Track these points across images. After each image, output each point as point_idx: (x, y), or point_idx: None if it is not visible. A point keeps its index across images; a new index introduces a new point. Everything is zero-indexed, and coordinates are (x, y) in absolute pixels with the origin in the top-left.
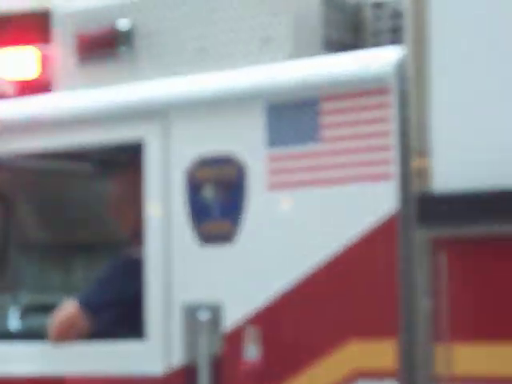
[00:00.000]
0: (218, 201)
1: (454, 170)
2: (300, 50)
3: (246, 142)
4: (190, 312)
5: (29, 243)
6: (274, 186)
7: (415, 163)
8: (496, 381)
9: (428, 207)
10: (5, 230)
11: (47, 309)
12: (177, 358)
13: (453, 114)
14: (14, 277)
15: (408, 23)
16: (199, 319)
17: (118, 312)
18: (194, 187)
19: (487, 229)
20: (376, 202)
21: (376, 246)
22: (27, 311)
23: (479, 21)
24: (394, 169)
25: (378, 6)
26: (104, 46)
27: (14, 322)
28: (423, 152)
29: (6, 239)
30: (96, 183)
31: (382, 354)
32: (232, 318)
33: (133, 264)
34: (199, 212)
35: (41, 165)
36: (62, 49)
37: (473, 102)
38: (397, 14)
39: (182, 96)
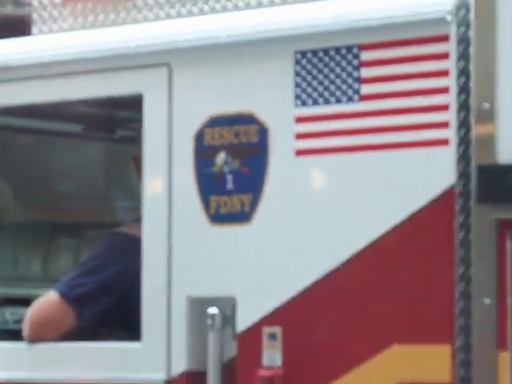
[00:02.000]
0: (232, 171)
1: None
2: None
3: (269, 99)
4: (198, 306)
5: (4, 225)
6: (303, 153)
7: (478, 128)
8: None
9: (492, 181)
10: None
11: (22, 302)
12: (180, 363)
13: None
14: None
15: None
16: (209, 317)
17: (110, 304)
18: (204, 153)
19: None
20: (429, 174)
21: (428, 228)
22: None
23: None
24: (452, 134)
25: None
26: None
27: None
28: (488, 114)
29: None
30: (85, 148)
31: (432, 363)
32: (248, 314)
33: (126, 243)
34: (209, 184)
35: (17, 122)
36: None
37: None
38: None
39: (187, 38)
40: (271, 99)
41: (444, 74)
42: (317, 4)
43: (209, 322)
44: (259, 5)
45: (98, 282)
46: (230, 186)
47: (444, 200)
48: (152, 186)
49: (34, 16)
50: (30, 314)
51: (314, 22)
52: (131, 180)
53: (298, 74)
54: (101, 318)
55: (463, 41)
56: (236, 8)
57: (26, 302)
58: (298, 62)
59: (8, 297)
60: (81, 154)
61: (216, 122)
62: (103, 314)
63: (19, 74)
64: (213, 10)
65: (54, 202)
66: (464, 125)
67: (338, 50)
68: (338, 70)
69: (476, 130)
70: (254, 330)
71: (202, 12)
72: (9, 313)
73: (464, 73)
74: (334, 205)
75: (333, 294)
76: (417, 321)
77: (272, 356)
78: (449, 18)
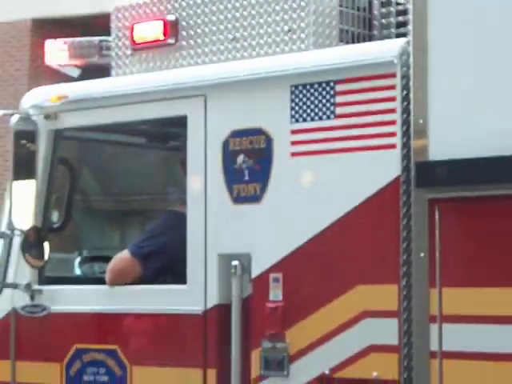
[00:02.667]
0: (248, 167)
1: (447, 142)
2: (319, 41)
3: (273, 118)
4: (225, 260)
5: (92, 209)
6: (297, 155)
7: (415, 137)
8: (479, 319)
9: (425, 172)
10: (70, 197)
11: (106, 259)
12: (213, 300)
13: (448, 94)
14: (78, 235)
15: (412, 18)
16: (232, 267)
17: (165, 260)
18: (229, 155)
19: (473, 190)
20: (381, 168)
21: (381, 206)
22: (90, 260)
23: (469, 19)
24: (398, 141)
25: (385, 3)
26: (153, 37)
27: (77, 269)
28: (422, 127)
29: (71, 205)
30: (148, 154)
31: (387, 297)
32: (259, 265)
33: (178, 219)
34: (233, 176)
35: (102, 137)
36: (116, 40)
37: (464, 84)
38: (401, 11)
39: (218, 78)
40: (274, 118)
41: (392, 99)
42: (306, 53)
43: (232, 270)
44: (266, 54)
45: (158, 244)
46: (246, 177)
47: (393, 186)
48: (193, 179)
49: (112, 63)
50: (110, 266)
51: (303, 65)
52: (178, 176)
53: (292, 100)
54: (159, 269)
55: (405, 77)
56: (250, 56)
57: (107, 259)
58: (292, 93)
59: (96, 256)
60: (144, 158)
61: (237, 134)
62: (161, 266)
63: (103, 103)
64: (235, 58)
65: (126, 194)
66: (406, 134)
67: (320, 84)
68: (320, 97)
69: (414, 138)
70: (264, 276)
71: (227, 59)
72: (96, 266)
73: (406, 99)
74: (316, 190)
75: (315, 252)
76: (374, 269)
77: (276, 293)
78: (395, 61)
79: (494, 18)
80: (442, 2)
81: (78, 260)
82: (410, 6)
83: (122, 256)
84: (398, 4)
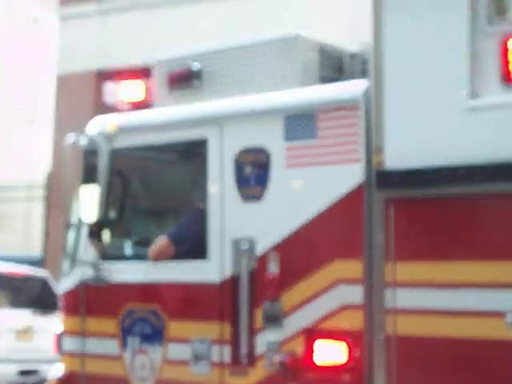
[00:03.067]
0: (253, 175)
1: (398, 156)
2: (305, 83)
3: (272, 139)
4: (236, 243)
5: (139, 207)
6: (289, 166)
7: (375, 153)
8: (422, 284)
9: (382, 178)
10: (123, 198)
11: (148, 243)
12: (227, 272)
13: (398, 121)
14: (129, 226)
15: (371, 67)
16: (241, 248)
17: (193, 243)
18: (239, 167)
19: (419, 192)
20: (351, 176)
21: (351, 203)
22: (137, 244)
23: (411, 69)
24: (362, 156)
25: (353, 55)
26: (183, 81)
27: (128, 250)
28: (380, 146)
29: (124, 204)
30: (179, 167)
31: (355, 269)
32: (261, 247)
33: (201, 213)
34: (242, 182)
35: (145, 155)
36: (157, 82)
37: (409, 114)
38: (364, 61)
39: (230, 110)
40: (272, 139)
41: (358, 125)
42: (295, 91)
43: (242, 250)
44: (267, 92)
45: (187, 232)
46: (252, 183)
47: (359, 188)
48: (213, 184)
49: (155, 100)
50: (152, 248)
51: (293, 101)
52: (201, 182)
53: (285, 126)
54: (187, 250)
55: (367, 109)
56: (255, 94)
57: (150, 243)
58: (285, 120)
59: (142, 240)
60: (176, 171)
61: (245, 151)
62: (189, 248)
63: (147, 129)
64: (244, 95)
65: (163, 197)
66: (368, 151)
67: (306, 113)
68: (306, 123)
69: (374, 153)
70: (265, 255)
71: (239, 96)
72: (142, 248)
73: (368, 125)
74: (303, 191)
75: (303, 237)
76: (345, 249)
77: (273, 267)
78: (360, 97)
79: (429, 70)
80: (394, 57)
81: (128, 244)
82: (371, 58)
83: (161, 241)
84: (362, 56)
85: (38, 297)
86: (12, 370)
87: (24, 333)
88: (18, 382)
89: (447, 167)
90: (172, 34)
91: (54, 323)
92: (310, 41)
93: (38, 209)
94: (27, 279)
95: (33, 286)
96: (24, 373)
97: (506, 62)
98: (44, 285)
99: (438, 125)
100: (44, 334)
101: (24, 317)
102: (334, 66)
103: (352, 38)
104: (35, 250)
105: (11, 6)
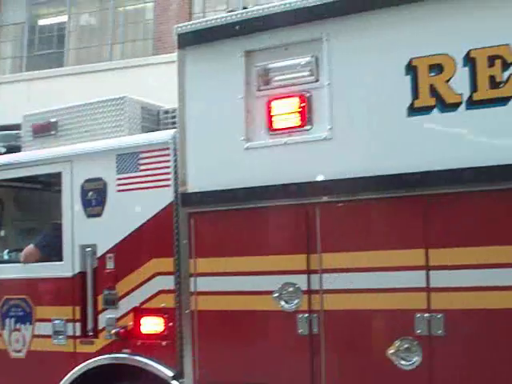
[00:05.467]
0: (94, 198)
1: (196, 184)
2: (131, 132)
3: (107, 171)
4: (83, 248)
5: (14, 223)
6: (120, 191)
7: (181, 181)
8: (215, 274)
9: (185, 198)
10: (0, 217)
11: (20, 250)
12: (77, 269)
13: (196, 159)
14: (7, 238)
15: (178, 120)
16: (87, 251)
17: (52, 248)
18: (84, 192)
19: (211, 208)
20: (164, 197)
21: (164, 216)
22: (14, 251)
23: (206, 122)
24: (172, 183)
25: (166, 111)
26: (44, 130)
27: (6, 256)
28: (184, 176)
29: (0, 221)
30: (41, 194)
31: (168, 264)
32: (101, 250)
33: (58, 227)
34: (86, 203)
35: (18, 185)
36: (24, 132)
37: (205, 154)
38: (173, 116)
39: (78, 151)
40: (107, 172)
41: (168, 161)
42: (124, 137)
43: (87, 253)
44: (102, 138)
45: (48, 241)
46: (93, 204)
47: (170, 205)
48: (66, 205)
49: (23, 146)
50: (23, 253)
51: (123, 144)
52: (59, 204)
53: (117, 162)
54: (49, 254)
55: (174, 150)
56: (95, 140)
57: (21, 250)
58: (117, 158)
59: (15, 249)
60: (40, 196)
61: (88, 180)
62: (50, 252)
63: (13, 166)
64: (91, 141)
65: (31, 215)
66: (175, 180)
67: (132, 153)
68: (132, 159)
69: (180, 182)
70: (103, 256)
71: (87, 141)
72: (16, 254)
73: (175, 162)
74: (129, 208)
75: (130, 243)
76: (161, 249)
77: (110, 265)
78: (169, 141)
79: (216, 123)
80: (193, 114)
81: (7, 251)
82: (178, 114)
83: (29, 248)
84: (172, 112)
85: None
86: None
87: None
88: None
89: (229, 190)
90: (47, 103)
91: None
92: (135, 100)
93: None
94: None
95: None
96: None
97: (270, 116)
98: None
99: (224, 161)
100: None
101: None
102: (153, 119)
103: (168, 100)
104: None
105: None
